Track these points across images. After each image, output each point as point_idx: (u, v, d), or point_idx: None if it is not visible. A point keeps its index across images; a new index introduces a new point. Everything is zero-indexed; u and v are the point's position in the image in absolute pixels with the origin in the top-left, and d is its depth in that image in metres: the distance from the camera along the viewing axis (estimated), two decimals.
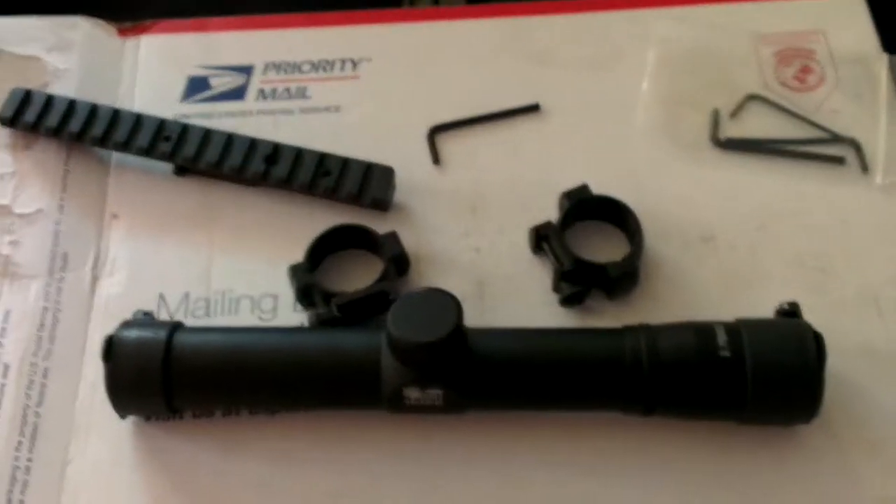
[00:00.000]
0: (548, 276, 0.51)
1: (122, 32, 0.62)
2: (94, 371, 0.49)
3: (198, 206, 0.55)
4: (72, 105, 0.56)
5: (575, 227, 0.52)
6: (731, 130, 0.56)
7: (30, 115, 0.56)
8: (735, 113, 0.57)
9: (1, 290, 0.52)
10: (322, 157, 0.54)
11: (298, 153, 0.54)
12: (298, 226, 0.53)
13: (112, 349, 0.45)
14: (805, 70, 0.58)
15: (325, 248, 0.52)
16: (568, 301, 0.50)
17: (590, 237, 0.52)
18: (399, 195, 0.55)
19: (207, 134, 0.55)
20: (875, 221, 0.53)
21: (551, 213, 0.52)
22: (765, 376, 0.43)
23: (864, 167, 0.54)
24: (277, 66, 0.60)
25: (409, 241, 0.51)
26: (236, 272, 0.52)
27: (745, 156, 0.55)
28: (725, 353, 0.43)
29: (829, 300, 0.50)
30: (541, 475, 0.46)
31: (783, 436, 0.46)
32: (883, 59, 0.58)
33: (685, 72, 0.58)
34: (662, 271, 0.51)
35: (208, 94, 0.59)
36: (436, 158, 0.56)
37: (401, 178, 0.54)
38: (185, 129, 0.55)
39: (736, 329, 0.44)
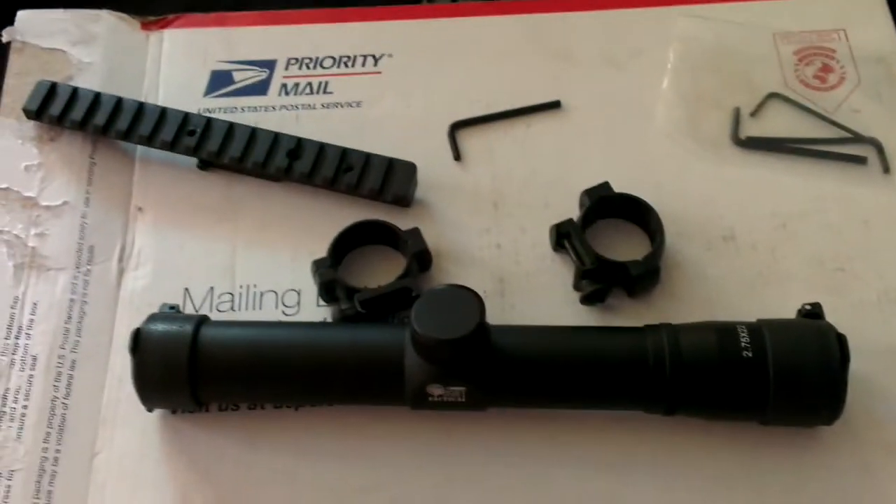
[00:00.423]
0: (569, 274, 0.51)
1: (146, 26, 0.62)
2: (120, 363, 0.50)
3: (222, 200, 0.55)
4: (97, 98, 0.56)
5: (596, 225, 0.53)
6: (752, 129, 0.56)
7: (55, 108, 0.56)
8: (756, 112, 0.57)
9: (28, 281, 0.53)
10: (344, 153, 0.55)
11: (321, 148, 0.55)
12: (321, 221, 0.53)
13: (139, 342, 0.46)
14: (825, 69, 0.58)
15: (348, 243, 0.52)
16: (589, 299, 0.50)
17: (611, 235, 0.52)
18: (420, 191, 0.55)
19: (231, 128, 0.55)
20: None
21: (572, 211, 0.52)
22: (787, 378, 0.43)
23: (886, 168, 0.54)
24: (299, 62, 0.60)
25: (430, 237, 0.52)
26: (260, 267, 0.53)
27: (766, 155, 0.55)
28: (748, 354, 0.43)
29: (849, 301, 0.50)
30: (562, 472, 0.46)
31: (804, 436, 0.46)
32: None
33: (706, 70, 0.58)
34: (683, 270, 0.51)
35: (231, 88, 0.59)
36: (457, 154, 0.56)
37: (422, 173, 0.55)
38: (209, 124, 0.56)
39: (758, 330, 0.44)
